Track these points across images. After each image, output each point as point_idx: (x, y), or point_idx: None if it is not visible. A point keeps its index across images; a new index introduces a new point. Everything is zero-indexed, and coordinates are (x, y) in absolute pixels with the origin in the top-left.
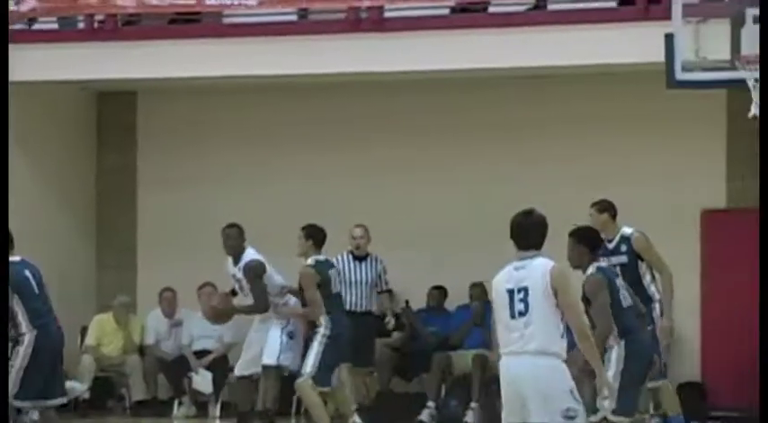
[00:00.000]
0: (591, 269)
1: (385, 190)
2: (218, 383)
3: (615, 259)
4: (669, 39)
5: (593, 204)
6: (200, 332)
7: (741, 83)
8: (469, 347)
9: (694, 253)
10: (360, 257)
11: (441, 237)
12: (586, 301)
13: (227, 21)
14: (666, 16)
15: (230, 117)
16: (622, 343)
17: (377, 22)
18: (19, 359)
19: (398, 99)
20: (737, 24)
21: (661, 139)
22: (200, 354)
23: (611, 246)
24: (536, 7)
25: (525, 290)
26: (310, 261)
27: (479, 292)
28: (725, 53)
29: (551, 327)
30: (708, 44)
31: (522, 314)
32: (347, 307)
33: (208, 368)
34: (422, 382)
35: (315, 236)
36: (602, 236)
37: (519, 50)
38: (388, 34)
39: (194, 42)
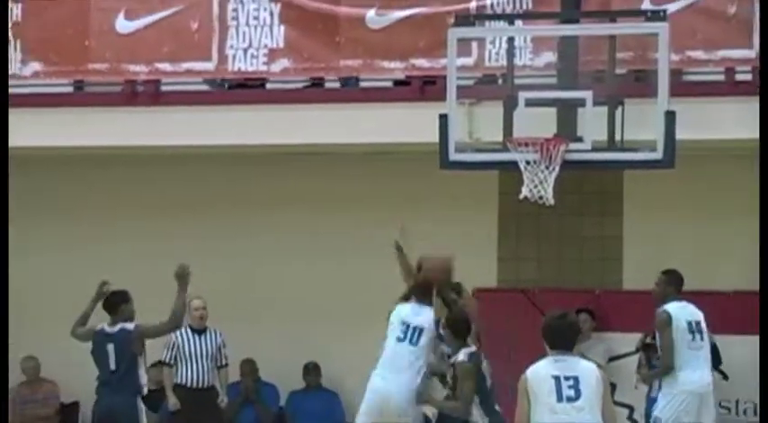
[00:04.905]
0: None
1: (147, 262)
2: None
3: None
4: (443, 119)
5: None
6: None
7: (513, 164)
8: None
9: None
10: (199, 330)
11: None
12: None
13: None
14: (441, 97)
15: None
16: None
17: (153, 96)
18: None
19: (173, 171)
20: (510, 107)
21: (434, 218)
22: None
23: None
24: (313, 85)
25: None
26: None
27: (250, 368)
28: (497, 135)
29: None
30: (481, 126)
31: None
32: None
33: None
34: None
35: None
36: None
37: (294, 127)
38: (164, 108)
39: None
